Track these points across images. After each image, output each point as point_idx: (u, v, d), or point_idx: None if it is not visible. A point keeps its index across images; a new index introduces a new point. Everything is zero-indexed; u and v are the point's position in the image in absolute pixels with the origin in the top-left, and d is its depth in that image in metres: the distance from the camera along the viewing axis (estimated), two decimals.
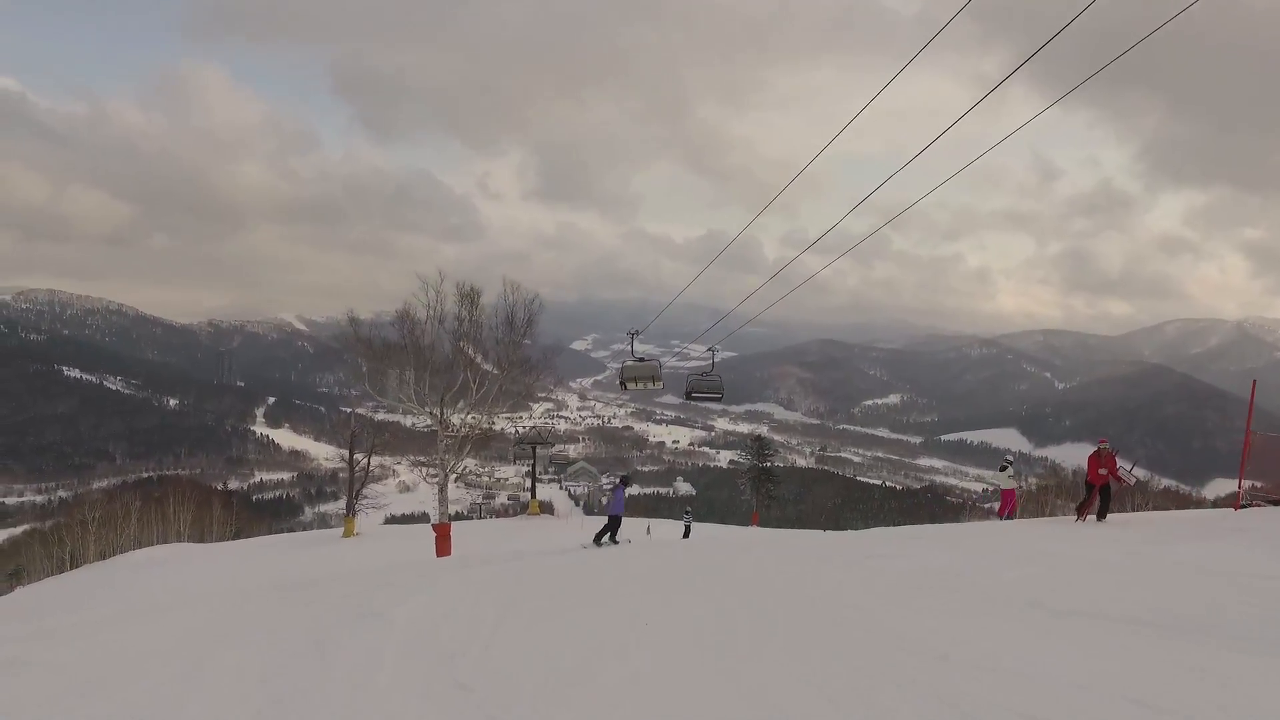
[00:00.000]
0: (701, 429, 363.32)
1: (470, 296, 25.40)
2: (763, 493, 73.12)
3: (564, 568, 15.23)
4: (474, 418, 25.44)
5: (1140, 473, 18.86)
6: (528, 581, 13.24)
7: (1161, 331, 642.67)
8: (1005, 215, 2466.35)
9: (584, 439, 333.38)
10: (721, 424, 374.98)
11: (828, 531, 58.59)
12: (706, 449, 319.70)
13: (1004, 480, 25.34)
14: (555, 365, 30.29)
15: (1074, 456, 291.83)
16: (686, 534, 36.30)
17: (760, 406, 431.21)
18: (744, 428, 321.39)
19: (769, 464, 77.71)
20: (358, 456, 45.31)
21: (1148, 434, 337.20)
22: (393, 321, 26.03)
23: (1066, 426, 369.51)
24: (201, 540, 51.23)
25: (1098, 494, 18.95)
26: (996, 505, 26.27)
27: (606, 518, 22.16)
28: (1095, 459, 19.23)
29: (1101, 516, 18.79)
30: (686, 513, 39.97)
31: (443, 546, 25.34)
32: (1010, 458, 26.31)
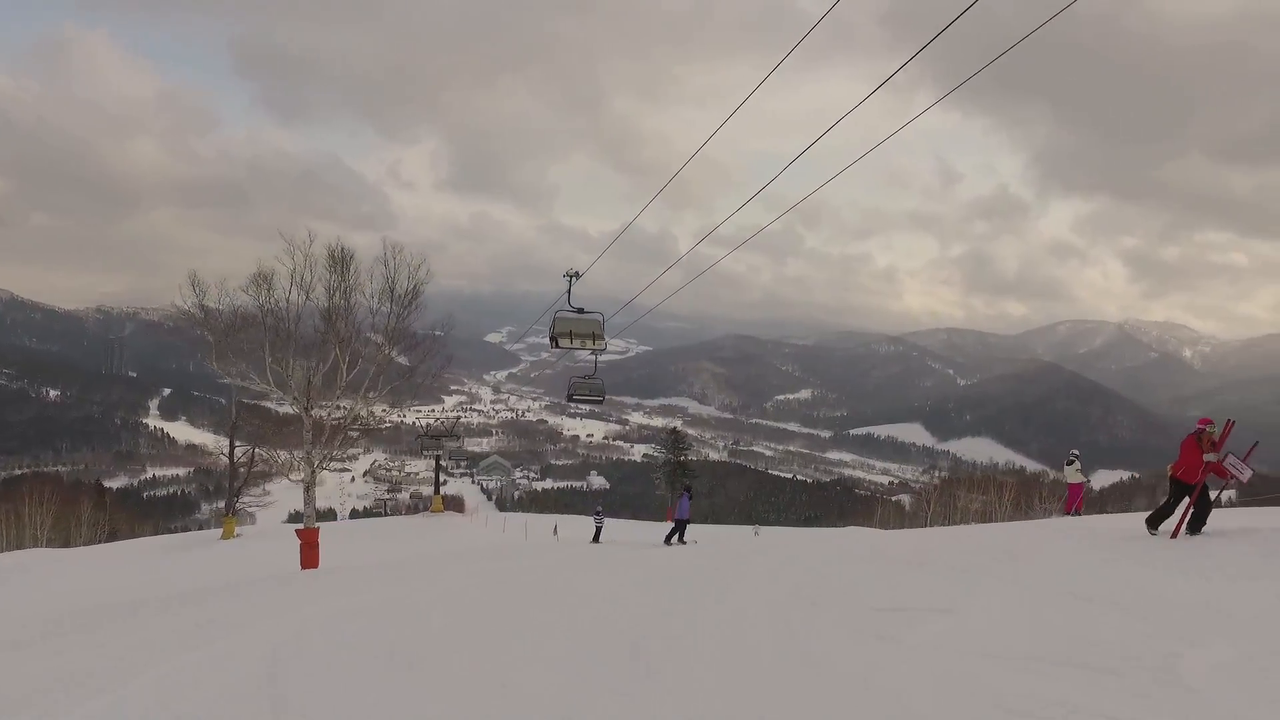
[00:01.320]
0: (616, 423, 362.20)
1: (341, 259, 21.15)
2: (677, 487, 71.06)
3: (432, 599, 11.97)
4: (346, 405, 21.46)
5: (1242, 465, 13.50)
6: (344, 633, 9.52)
7: (1054, 331, 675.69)
8: (911, 217, 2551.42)
9: (497, 433, 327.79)
10: (636, 418, 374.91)
11: (758, 531, 57.20)
12: (621, 443, 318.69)
13: (1071, 475, 24.10)
14: (446, 345, 25.99)
15: (975, 450, 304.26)
16: (597, 536, 33.56)
17: (675, 400, 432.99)
18: (659, 422, 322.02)
19: (684, 458, 75.52)
20: (242, 449, 41.12)
21: (1040, 429, 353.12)
22: (246, 287, 20.87)
23: (968, 421, 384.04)
24: (67, 544, 46.40)
25: (1194, 497, 13.10)
26: (1069, 499, 24.65)
27: (673, 522, 24.60)
28: (1195, 445, 13.45)
29: (1196, 529, 12.87)
30: (597, 511, 36.78)
31: (309, 556, 21.33)
32: (1077, 451, 24.82)
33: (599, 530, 33.87)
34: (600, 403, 32.65)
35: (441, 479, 69.51)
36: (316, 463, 19.36)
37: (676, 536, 24.40)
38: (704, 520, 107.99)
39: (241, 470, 41.47)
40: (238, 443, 40.12)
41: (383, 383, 22.18)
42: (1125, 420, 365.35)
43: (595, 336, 20.19)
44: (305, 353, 20.38)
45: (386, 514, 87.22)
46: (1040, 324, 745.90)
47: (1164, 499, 13.87)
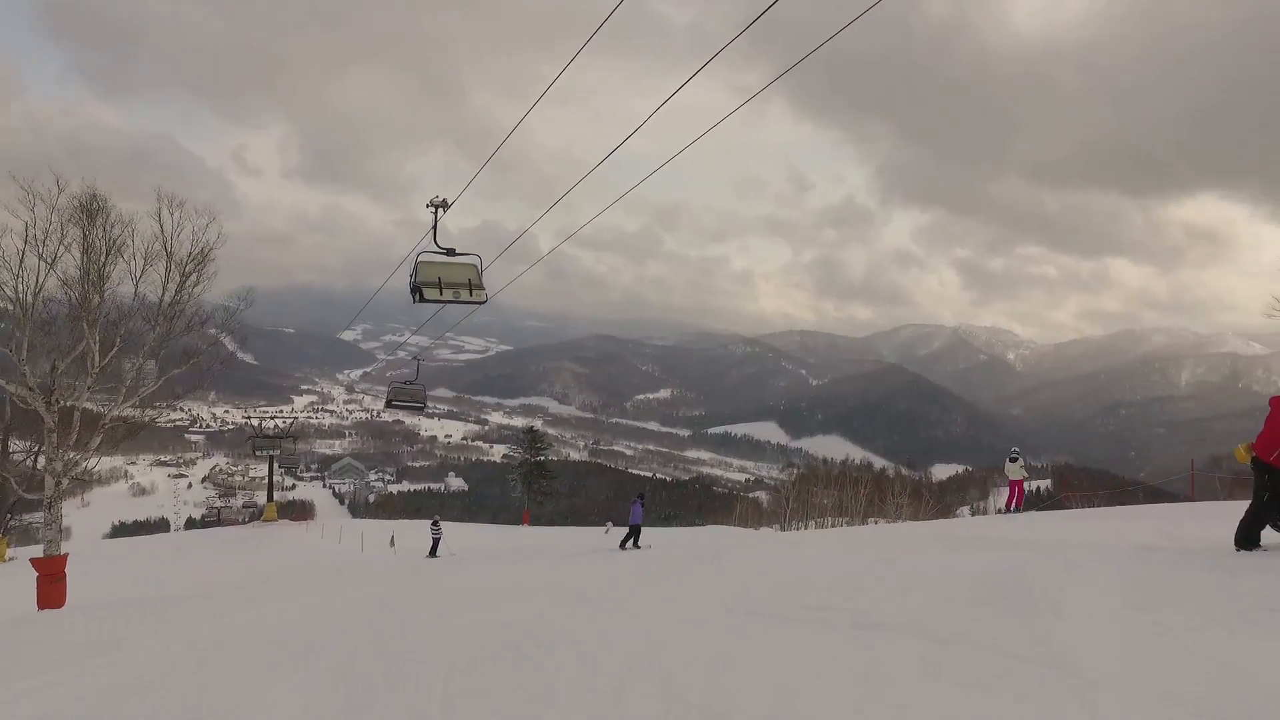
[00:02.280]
0: (475, 423, 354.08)
1: (90, 210, 15.43)
2: (535, 489, 67.90)
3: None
4: (94, 400, 16.45)
5: None
6: None
7: (897, 335, 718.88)
8: (766, 222, 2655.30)
9: (351, 434, 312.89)
10: (496, 418, 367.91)
11: (609, 529, 55.64)
12: (480, 443, 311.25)
13: (1014, 471, 23.68)
14: (238, 326, 19.05)
15: (826, 448, 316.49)
16: (434, 550, 29.71)
17: (536, 400, 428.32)
18: (519, 421, 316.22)
19: (542, 458, 72.56)
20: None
21: (885, 426, 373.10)
22: None
23: (819, 420, 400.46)
24: None
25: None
26: (1010, 495, 23.92)
27: (627, 527, 24.65)
28: None
29: (1250, 541, 9.02)
30: (434, 522, 31.38)
31: (49, 593, 15.97)
32: (1017, 449, 24.32)
33: (436, 543, 30.08)
34: (421, 409, 30.18)
35: (290, 483, 64.46)
36: (61, 471, 15.18)
37: (631, 542, 24.40)
38: (564, 521, 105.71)
39: (19, 477, 35.18)
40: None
41: (149, 371, 17.66)
42: (959, 418, 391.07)
43: (472, 286, 14.48)
44: (45, 331, 15.67)
45: (220, 523, 79.36)
46: (885, 327, 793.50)
47: (1249, 503, 9.39)
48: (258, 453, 59.85)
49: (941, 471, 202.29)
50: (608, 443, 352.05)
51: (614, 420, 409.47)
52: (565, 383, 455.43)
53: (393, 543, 32.51)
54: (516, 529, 42.23)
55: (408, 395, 30.16)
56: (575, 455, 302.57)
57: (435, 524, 31.02)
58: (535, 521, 62.47)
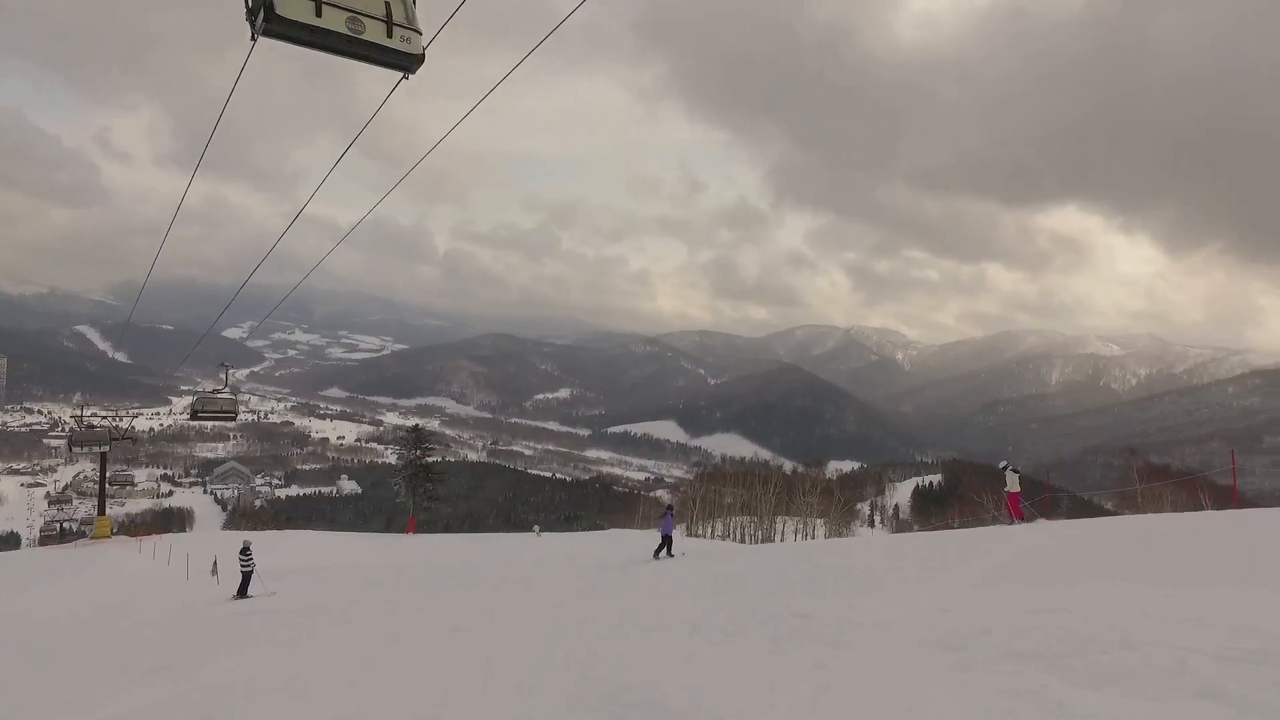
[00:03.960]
0: (370, 424, 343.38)
1: None
2: (421, 493, 62.17)
3: None
4: None
5: None
6: None
7: (792, 335, 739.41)
8: (661, 222, 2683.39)
9: (236, 437, 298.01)
10: (391, 418, 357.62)
11: (539, 532, 53.96)
12: (375, 445, 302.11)
13: (1011, 484, 23.45)
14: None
15: (724, 445, 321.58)
16: (243, 590, 22.54)
17: (432, 400, 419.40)
18: (415, 422, 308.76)
19: (429, 459, 66.05)
20: None
21: (782, 424, 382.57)
22: None
23: (718, 418, 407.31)
24: None
25: None
26: (1011, 509, 24.00)
27: (660, 537, 24.26)
28: None
29: None
30: (244, 553, 23.02)
31: None
32: (1005, 461, 24.32)
33: (247, 579, 22.80)
34: (232, 420, 28.53)
35: (167, 489, 59.18)
36: None
37: (665, 551, 23.68)
38: (460, 526, 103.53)
39: None
40: None
41: None
42: (852, 416, 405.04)
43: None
44: None
45: (61, 537, 71.09)
46: (781, 328, 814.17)
47: None
48: (75, 449, 50.19)
49: (837, 468, 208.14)
50: (506, 443, 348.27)
51: (513, 420, 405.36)
52: (463, 382, 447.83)
53: (215, 569, 27.96)
54: (399, 539, 38.68)
55: (216, 406, 28.00)
56: (473, 456, 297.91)
57: (245, 553, 22.85)
58: (424, 529, 60.06)
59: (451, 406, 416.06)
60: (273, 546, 31.66)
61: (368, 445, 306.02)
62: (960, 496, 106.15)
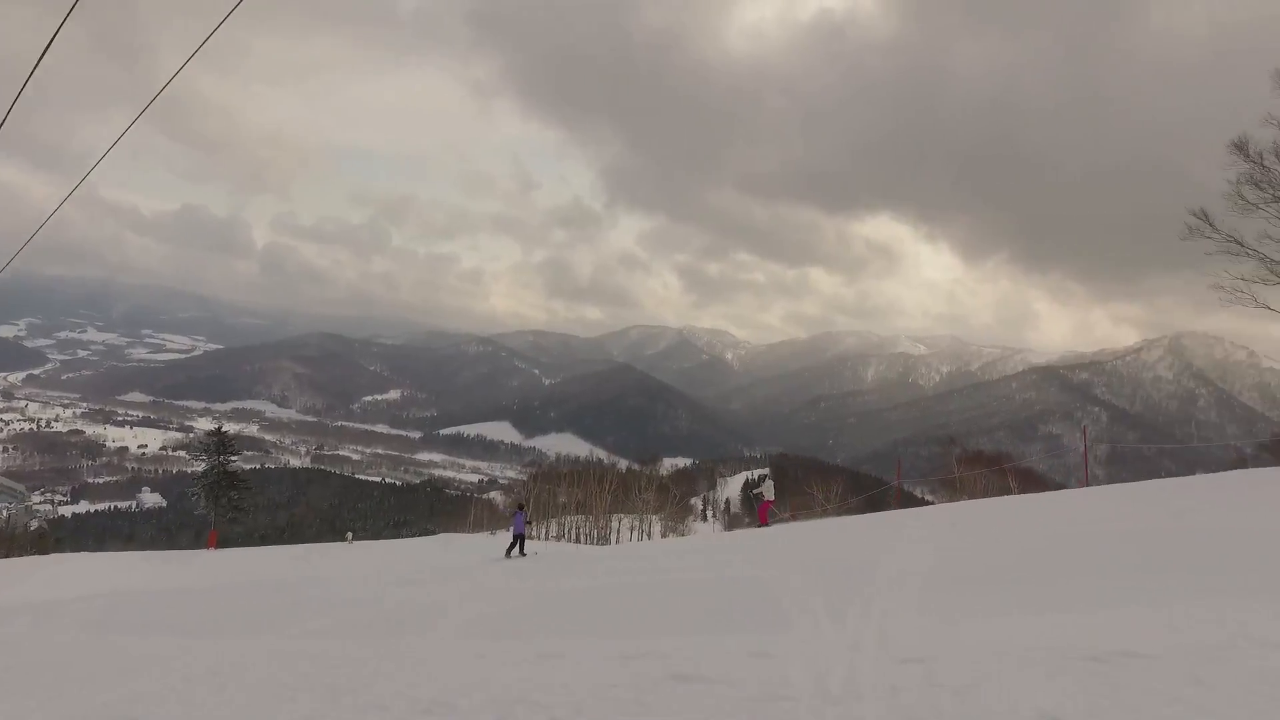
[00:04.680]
0: (177, 430, 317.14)
1: None
2: (225, 503, 55.61)
3: None
4: None
5: None
6: None
7: (626, 335, 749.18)
8: (495, 220, 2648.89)
9: (9, 448, 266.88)
10: (203, 424, 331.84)
11: (353, 541, 51.28)
12: (183, 453, 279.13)
13: (769, 491, 25.46)
14: None
15: (559, 445, 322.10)
16: None
17: (250, 404, 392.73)
18: (231, 427, 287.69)
19: (231, 465, 58.48)
20: None
21: (616, 423, 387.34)
22: None
23: (552, 418, 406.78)
24: None
25: None
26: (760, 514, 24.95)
27: (512, 536, 24.59)
28: None
29: None
30: None
31: None
32: (765, 471, 25.63)
33: None
34: None
35: None
36: None
37: (518, 550, 23.88)
38: (279, 538, 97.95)
39: None
40: None
41: None
42: (684, 414, 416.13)
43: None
44: None
45: None
46: (614, 328, 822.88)
47: None
48: None
49: (671, 465, 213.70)
50: (332, 447, 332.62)
51: (339, 423, 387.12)
52: (285, 384, 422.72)
53: None
54: (196, 556, 34.39)
55: None
56: (296, 462, 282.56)
57: None
58: (234, 541, 55.85)
59: (272, 410, 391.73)
60: (22, 576, 26.04)
61: (174, 454, 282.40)
62: (787, 489, 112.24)
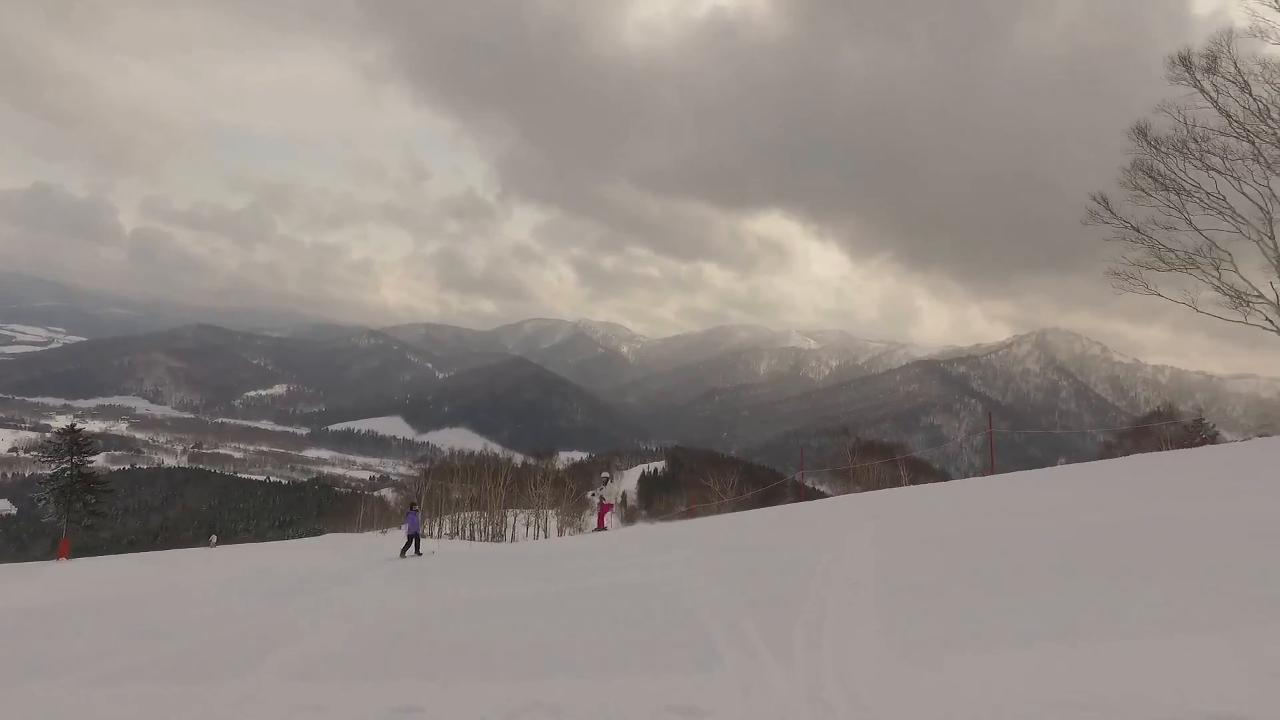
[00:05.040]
0: (31, 429, 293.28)
1: None
2: (79, 508, 49.62)
3: None
4: None
5: None
6: None
7: (521, 329, 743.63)
8: (385, 210, 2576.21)
9: None
10: (63, 423, 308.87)
11: (216, 544, 47.88)
12: (38, 454, 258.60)
13: (610, 494, 23.42)
14: None
15: (453, 440, 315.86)
16: None
17: (119, 400, 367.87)
18: (96, 426, 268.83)
19: (91, 467, 52.59)
20: None
21: (511, 417, 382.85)
22: None
23: (446, 413, 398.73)
24: None
25: None
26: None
27: (406, 535, 24.27)
28: None
29: None
30: None
31: None
32: (607, 474, 24.09)
33: None
34: None
35: None
36: None
37: (413, 550, 23.51)
38: (151, 543, 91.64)
39: None
40: None
41: None
42: (580, 407, 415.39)
43: None
44: None
45: None
46: (509, 321, 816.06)
47: None
48: None
49: (567, 458, 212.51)
50: (212, 445, 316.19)
51: (220, 420, 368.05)
52: (158, 379, 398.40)
53: None
54: (43, 569, 30.12)
55: None
56: (171, 461, 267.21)
57: None
58: (92, 550, 50.83)
59: (144, 407, 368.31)
60: None
61: (26, 456, 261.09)
62: (683, 481, 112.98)
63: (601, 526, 24.69)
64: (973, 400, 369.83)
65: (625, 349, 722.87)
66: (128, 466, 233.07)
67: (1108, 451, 53.21)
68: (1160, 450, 36.26)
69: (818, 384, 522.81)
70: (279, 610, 9.02)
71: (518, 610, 7.54)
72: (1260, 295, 17.58)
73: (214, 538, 48.52)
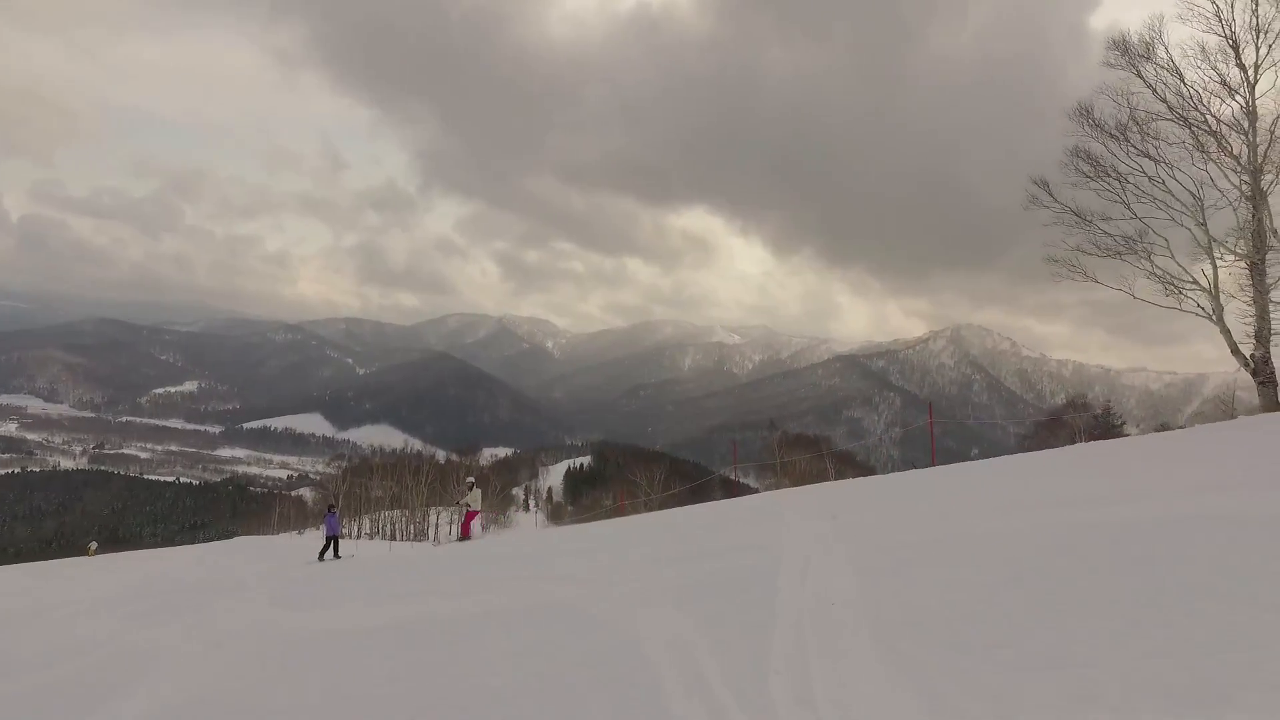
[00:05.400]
0: None
1: None
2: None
3: None
4: None
5: None
6: None
7: (444, 323, 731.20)
8: (302, 200, 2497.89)
9: None
10: None
11: (95, 552, 44.54)
12: None
13: (474, 500, 24.14)
14: None
15: (374, 437, 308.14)
16: None
17: (7, 399, 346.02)
18: None
19: None
20: None
21: (435, 413, 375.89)
22: None
23: (367, 409, 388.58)
24: None
25: None
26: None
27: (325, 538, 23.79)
28: None
29: None
30: None
31: None
32: (472, 479, 23.22)
33: None
34: None
35: None
36: None
37: (331, 552, 22.98)
38: (42, 551, 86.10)
39: None
40: None
41: None
42: (505, 403, 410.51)
43: None
44: None
45: None
46: (432, 316, 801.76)
47: None
48: None
49: (491, 454, 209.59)
50: (115, 445, 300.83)
51: (124, 419, 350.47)
52: (54, 376, 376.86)
53: None
54: None
55: None
56: (69, 463, 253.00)
57: None
58: None
59: (37, 405, 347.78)
60: None
61: None
62: (610, 476, 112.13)
63: (466, 535, 23.57)
64: (891, 394, 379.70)
65: (550, 344, 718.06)
66: (17, 470, 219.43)
67: (1024, 443, 54.64)
68: (1073, 440, 37.11)
69: (741, 379, 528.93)
70: (136, 637, 7.66)
71: (413, 641, 6.25)
72: (1194, 282, 17.58)
73: (94, 544, 45.45)
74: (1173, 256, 17.91)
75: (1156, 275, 17.84)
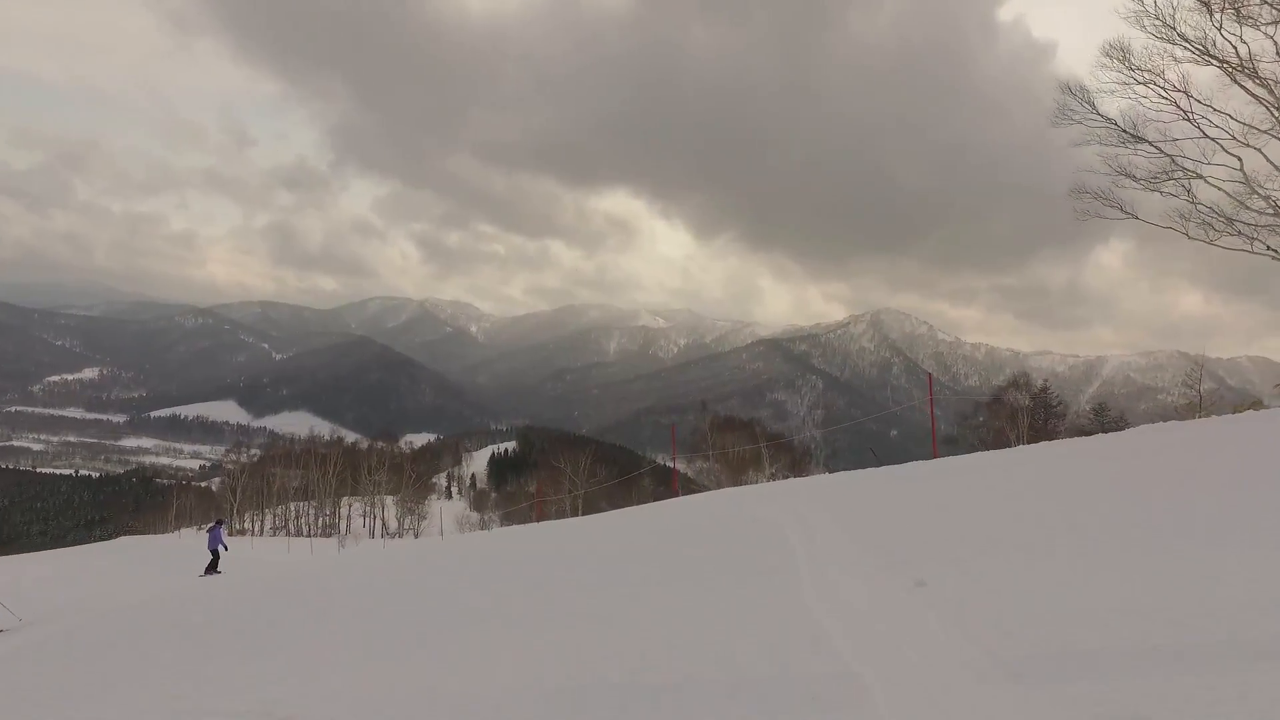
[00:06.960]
0: None
1: None
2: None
3: None
4: None
5: None
6: None
7: (365, 307, 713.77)
8: (207, 177, 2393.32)
9: None
10: None
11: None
12: None
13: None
14: None
15: (293, 424, 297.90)
16: None
17: None
18: None
19: None
20: None
21: (356, 399, 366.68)
22: None
23: (284, 396, 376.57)
24: None
25: None
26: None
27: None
28: None
29: None
30: None
31: None
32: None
33: None
34: None
35: None
36: None
37: (213, 567, 22.48)
38: None
39: None
40: None
41: None
42: (428, 388, 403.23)
43: None
44: None
45: None
46: (352, 299, 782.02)
47: None
48: None
49: (412, 441, 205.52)
50: (4, 438, 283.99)
51: (13, 409, 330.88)
52: None
53: None
54: None
55: None
56: None
57: None
58: None
59: None
60: None
61: None
62: (535, 462, 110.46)
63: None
64: (814, 377, 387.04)
65: (474, 328, 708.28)
66: None
67: (965, 423, 53.28)
68: (1013, 418, 37.46)
69: (667, 362, 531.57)
70: None
71: None
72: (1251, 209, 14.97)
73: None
74: (1220, 186, 15.45)
75: (1198, 204, 15.07)
